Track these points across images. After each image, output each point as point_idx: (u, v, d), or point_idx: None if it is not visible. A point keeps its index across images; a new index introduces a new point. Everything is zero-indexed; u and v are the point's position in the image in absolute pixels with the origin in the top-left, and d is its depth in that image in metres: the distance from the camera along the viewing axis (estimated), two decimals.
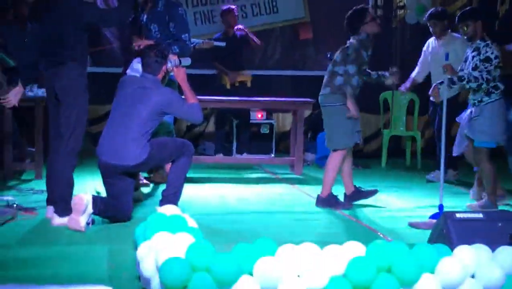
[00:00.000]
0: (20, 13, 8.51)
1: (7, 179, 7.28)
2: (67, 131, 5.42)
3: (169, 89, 5.72)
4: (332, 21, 10.18)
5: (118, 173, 5.49)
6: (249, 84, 9.24)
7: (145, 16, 6.58)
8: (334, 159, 6.39)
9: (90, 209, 5.25)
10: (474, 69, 6.21)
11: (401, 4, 10.35)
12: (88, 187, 6.71)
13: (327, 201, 6.39)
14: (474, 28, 6.30)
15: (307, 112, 9.06)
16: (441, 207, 5.80)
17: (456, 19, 6.46)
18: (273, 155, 9.23)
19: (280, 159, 8.89)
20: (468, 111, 6.41)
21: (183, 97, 5.77)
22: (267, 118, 9.54)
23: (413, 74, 8.15)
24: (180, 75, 5.78)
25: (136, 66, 5.95)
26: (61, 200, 5.41)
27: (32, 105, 7.31)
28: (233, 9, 9.15)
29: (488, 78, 6.16)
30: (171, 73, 5.90)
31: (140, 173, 6.55)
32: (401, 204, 6.69)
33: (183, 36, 6.49)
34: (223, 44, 8.85)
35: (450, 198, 6.63)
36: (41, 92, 7.02)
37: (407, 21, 10.11)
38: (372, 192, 6.56)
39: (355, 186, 6.54)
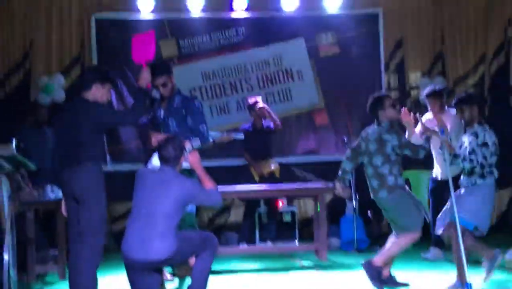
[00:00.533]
0: (39, 117, 8.71)
1: (30, 282, 7.23)
2: (89, 231, 5.42)
3: (189, 179, 5.71)
4: (346, 107, 10.29)
5: (145, 268, 5.44)
6: (277, 175, 9.28)
7: (162, 112, 6.66)
8: (407, 238, 6.36)
9: None
10: (470, 153, 6.23)
11: (414, 85, 10.44)
12: (111, 285, 6.65)
13: (373, 270, 6.32)
14: (470, 113, 6.36)
15: (328, 197, 9.02)
16: (468, 286, 5.71)
17: (453, 104, 6.53)
18: (297, 242, 9.14)
19: (304, 246, 8.79)
20: (458, 191, 6.40)
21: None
22: (288, 206, 9.51)
23: None
24: (194, 159, 5.79)
25: (155, 161, 5.97)
26: None
27: (53, 207, 7.34)
28: (258, 102, 9.26)
29: (482, 163, 6.19)
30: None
31: (164, 267, 6.49)
32: (432, 285, 6.57)
33: (200, 128, 6.55)
34: (241, 136, 8.93)
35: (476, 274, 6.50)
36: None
37: (422, 102, 10.18)
38: (404, 285, 6.50)
39: (390, 272, 6.50)
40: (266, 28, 10.34)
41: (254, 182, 9.09)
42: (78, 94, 5.79)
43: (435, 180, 8.06)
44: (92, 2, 9.93)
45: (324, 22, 10.39)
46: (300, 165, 10.24)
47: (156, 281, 5.58)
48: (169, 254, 5.41)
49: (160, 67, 6.63)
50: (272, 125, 9.21)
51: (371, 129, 6.49)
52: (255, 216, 9.19)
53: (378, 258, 6.39)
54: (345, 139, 9.08)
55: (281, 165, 9.51)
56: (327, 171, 9.16)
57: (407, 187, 6.56)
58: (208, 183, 5.70)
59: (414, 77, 10.50)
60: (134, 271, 5.46)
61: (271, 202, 9.28)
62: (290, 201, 9.59)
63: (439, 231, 6.51)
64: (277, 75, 10.37)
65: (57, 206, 7.21)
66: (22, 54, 9.72)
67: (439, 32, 10.53)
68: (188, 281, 5.89)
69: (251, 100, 9.29)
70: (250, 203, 9.29)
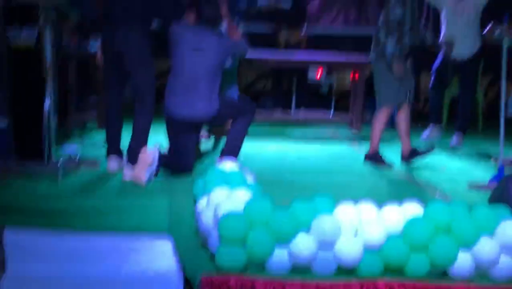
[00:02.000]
0: None
1: (70, 130, 7.39)
2: (147, 88, 5.69)
3: (225, 37, 5.76)
4: None
5: (186, 126, 5.61)
6: (303, 45, 9.11)
7: None
8: (379, 116, 6.37)
9: (154, 163, 5.33)
10: None
11: None
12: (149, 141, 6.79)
13: (373, 158, 6.38)
14: None
15: (368, 70, 8.94)
16: (501, 168, 5.70)
17: None
18: (332, 113, 9.15)
19: (339, 117, 8.79)
20: None
21: None
22: (326, 77, 9.42)
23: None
24: (223, 10, 5.83)
25: None
26: (133, 150, 5.57)
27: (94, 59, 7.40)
28: None
29: None
30: None
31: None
32: (461, 165, 6.62)
33: None
34: (289, 4, 8.72)
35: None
36: None
37: None
38: (428, 150, 6.46)
39: (412, 146, 6.46)
40: None
41: (278, 50, 8.89)
42: None
43: (445, 60, 7.71)
44: None
45: None
46: (339, 38, 10.02)
47: (194, 138, 5.82)
48: (213, 112, 5.61)
49: None
50: None
51: None
52: (283, 85, 9.12)
53: (370, 148, 6.40)
54: None
55: (320, 34, 9.34)
56: (369, 44, 9.03)
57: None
58: (237, 33, 5.85)
59: None
60: (176, 128, 5.64)
61: (301, 72, 9.16)
62: (328, 72, 9.49)
63: None
64: None
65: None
66: None
67: None
68: (223, 141, 6.01)
69: None
70: (278, 73, 9.19)
